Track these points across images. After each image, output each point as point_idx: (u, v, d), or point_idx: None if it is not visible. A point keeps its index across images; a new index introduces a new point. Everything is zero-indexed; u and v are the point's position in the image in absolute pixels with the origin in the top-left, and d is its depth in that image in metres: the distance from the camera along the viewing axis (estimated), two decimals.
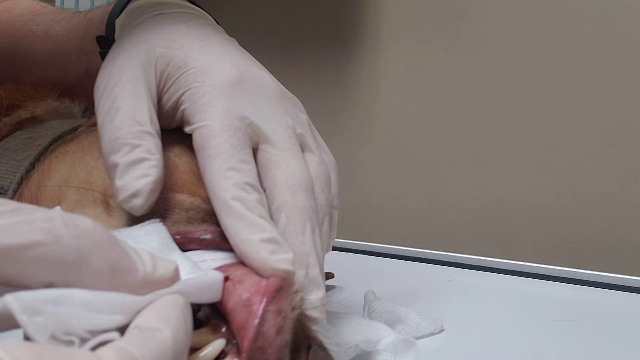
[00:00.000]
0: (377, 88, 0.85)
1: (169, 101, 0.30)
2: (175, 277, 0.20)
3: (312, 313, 0.26)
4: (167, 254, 0.23)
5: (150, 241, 0.23)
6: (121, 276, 0.18)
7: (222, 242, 0.25)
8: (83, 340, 0.17)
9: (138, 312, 0.18)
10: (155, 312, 0.18)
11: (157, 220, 0.25)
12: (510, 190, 0.76)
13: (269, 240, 0.24)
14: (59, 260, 0.17)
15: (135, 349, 0.16)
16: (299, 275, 0.25)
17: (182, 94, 0.29)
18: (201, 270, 0.23)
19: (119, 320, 0.18)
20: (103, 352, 0.16)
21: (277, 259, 0.24)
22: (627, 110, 0.69)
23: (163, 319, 0.18)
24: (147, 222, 0.24)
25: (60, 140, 0.35)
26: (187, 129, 0.29)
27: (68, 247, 0.17)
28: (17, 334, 0.16)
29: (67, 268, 0.17)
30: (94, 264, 0.18)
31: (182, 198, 0.28)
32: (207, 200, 0.27)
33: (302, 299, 0.23)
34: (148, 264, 0.19)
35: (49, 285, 0.17)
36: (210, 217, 0.27)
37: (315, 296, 0.26)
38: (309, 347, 0.24)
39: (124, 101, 0.27)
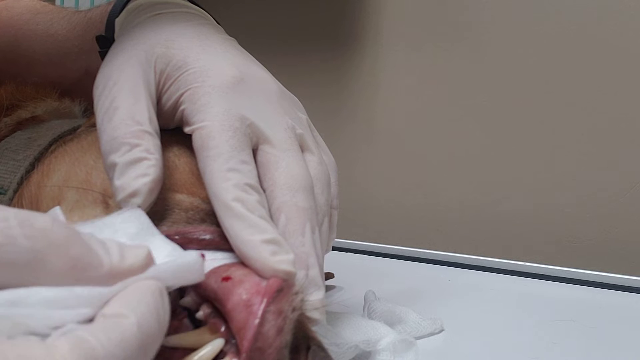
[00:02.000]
0: (377, 88, 0.85)
1: (168, 101, 0.29)
2: (147, 263, 0.20)
3: (312, 314, 0.26)
4: (146, 238, 0.23)
5: (128, 228, 0.23)
6: (84, 272, 0.18)
7: (221, 242, 0.25)
8: (45, 338, 0.16)
9: (107, 302, 0.18)
10: (123, 300, 0.18)
11: (135, 205, 0.24)
12: (510, 190, 0.76)
13: (270, 241, 0.24)
14: (12, 261, 0.17)
15: (93, 337, 0.16)
16: (299, 276, 0.25)
17: (182, 94, 0.29)
18: (181, 252, 0.22)
19: (87, 313, 0.18)
20: (56, 341, 0.16)
21: (278, 260, 0.24)
22: (626, 110, 0.69)
23: (130, 306, 0.18)
24: (125, 208, 0.24)
25: (60, 140, 0.35)
26: (187, 130, 0.29)
27: (22, 247, 0.17)
28: None
29: (22, 269, 0.17)
30: (52, 264, 0.17)
31: (182, 198, 0.28)
32: (207, 201, 0.27)
33: (302, 300, 0.23)
34: (115, 255, 0.19)
35: (3, 286, 0.17)
36: (210, 217, 0.27)
37: (315, 297, 0.26)
38: (308, 348, 0.24)
39: (122, 101, 0.27)
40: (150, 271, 0.20)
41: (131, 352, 0.17)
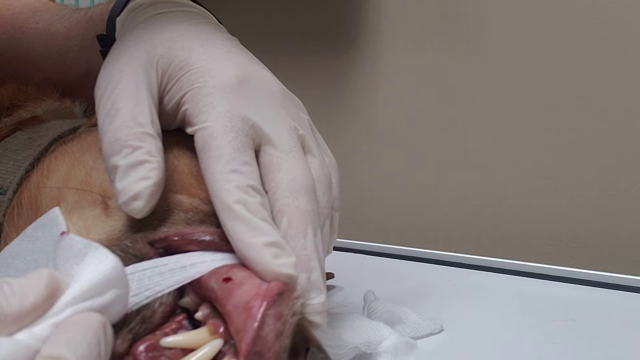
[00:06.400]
0: (377, 88, 0.85)
1: (170, 102, 0.29)
2: (51, 291, 0.18)
3: (314, 318, 0.26)
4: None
5: (41, 249, 0.21)
6: None
7: (221, 244, 0.25)
8: None
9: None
10: (63, 338, 0.17)
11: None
12: (510, 190, 0.76)
13: (272, 244, 0.24)
14: None
15: None
16: (301, 279, 0.25)
17: (184, 95, 0.29)
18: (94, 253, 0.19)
19: None
20: None
21: (280, 263, 0.23)
22: (627, 110, 0.69)
23: (71, 345, 0.16)
24: (36, 221, 0.22)
25: (60, 140, 0.35)
26: (189, 130, 0.29)
27: None
28: None
29: None
30: None
31: (181, 199, 0.28)
32: (206, 202, 0.27)
33: (302, 305, 0.23)
34: (11, 298, 0.17)
35: None
36: (209, 218, 0.27)
37: (316, 301, 0.26)
38: (307, 349, 0.24)
39: (124, 102, 0.27)
40: (80, 300, 0.18)
41: None
